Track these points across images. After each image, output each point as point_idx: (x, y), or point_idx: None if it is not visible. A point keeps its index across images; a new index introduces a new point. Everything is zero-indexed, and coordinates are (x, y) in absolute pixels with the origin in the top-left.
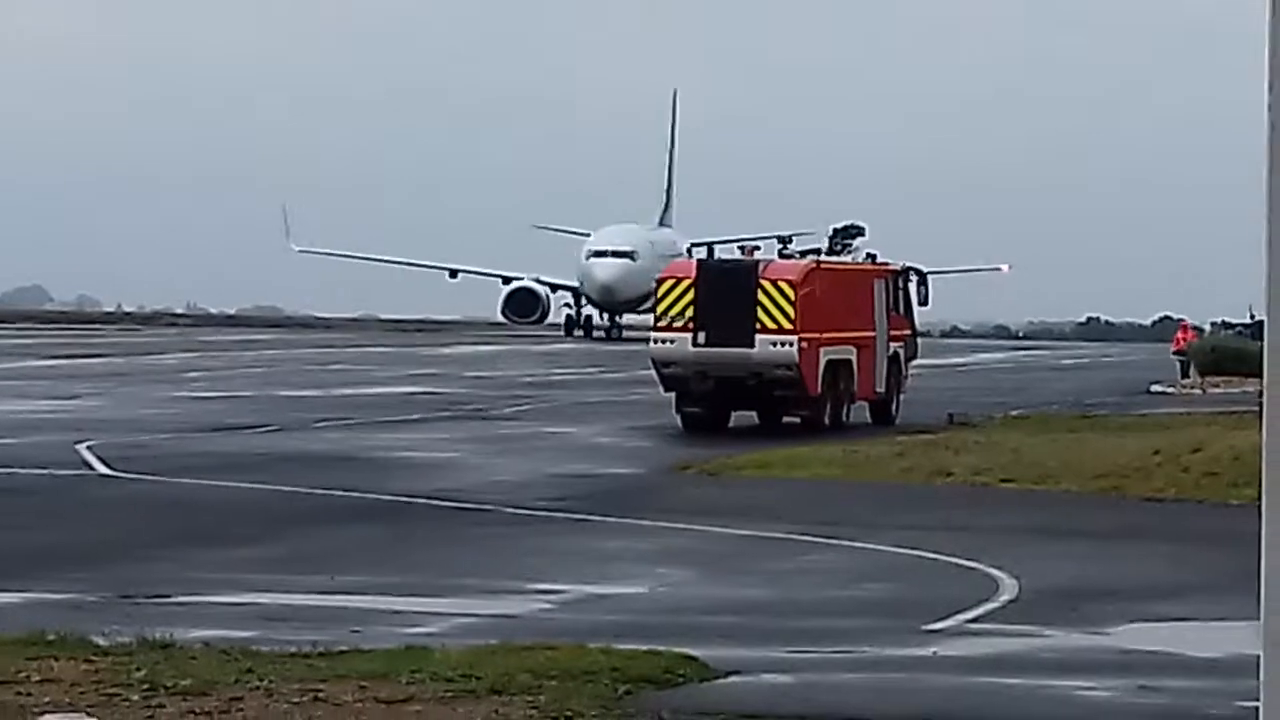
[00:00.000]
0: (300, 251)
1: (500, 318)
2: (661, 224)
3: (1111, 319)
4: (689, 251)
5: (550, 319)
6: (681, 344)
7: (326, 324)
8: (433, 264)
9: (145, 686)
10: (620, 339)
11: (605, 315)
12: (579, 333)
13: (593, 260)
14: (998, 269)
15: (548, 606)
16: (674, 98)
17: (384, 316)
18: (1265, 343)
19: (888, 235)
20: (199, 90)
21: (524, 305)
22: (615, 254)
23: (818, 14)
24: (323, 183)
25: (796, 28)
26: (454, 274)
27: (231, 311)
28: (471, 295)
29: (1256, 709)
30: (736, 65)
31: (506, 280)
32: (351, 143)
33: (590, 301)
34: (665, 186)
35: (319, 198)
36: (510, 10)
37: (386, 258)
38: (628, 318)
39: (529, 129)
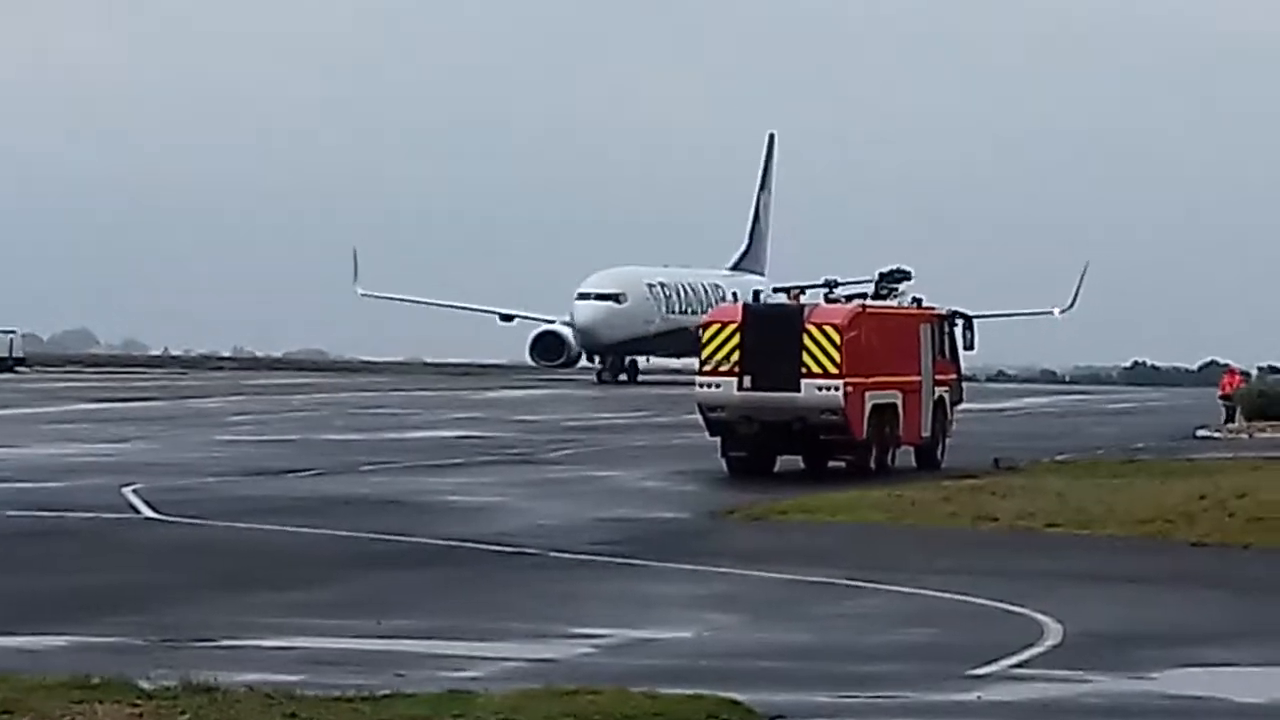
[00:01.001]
0: (363, 295)
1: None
2: (740, 267)
3: (1158, 364)
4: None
5: (583, 362)
6: (727, 388)
7: (372, 368)
8: (487, 308)
9: None
10: (632, 382)
11: (595, 358)
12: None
13: (576, 303)
14: (1049, 312)
15: (591, 651)
16: (770, 141)
17: (430, 360)
18: None
19: (931, 278)
20: (243, 132)
21: (550, 348)
22: (599, 296)
23: (881, 55)
24: (375, 223)
25: (857, 63)
26: (507, 318)
27: (278, 355)
28: (524, 339)
29: None
30: (824, 107)
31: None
32: (407, 182)
33: (578, 343)
34: (749, 229)
35: (371, 238)
36: (578, 45)
37: (445, 302)
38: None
39: (595, 166)
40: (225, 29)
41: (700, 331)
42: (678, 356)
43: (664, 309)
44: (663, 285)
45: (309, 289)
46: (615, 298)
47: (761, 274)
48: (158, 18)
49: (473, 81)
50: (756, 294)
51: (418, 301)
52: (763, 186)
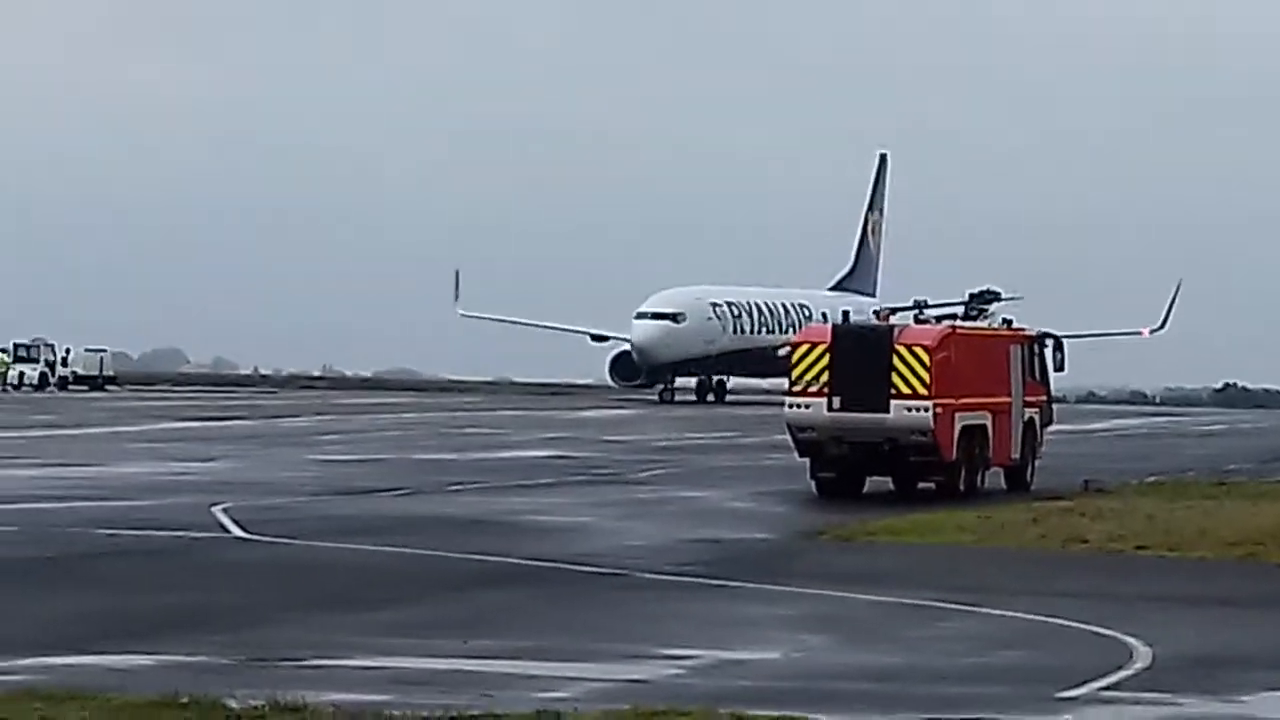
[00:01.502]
0: (463, 316)
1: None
2: (842, 288)
3: (1249, 385)
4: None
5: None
6: (816, 409)
7: (461, 387)
8: (580, 329)
9: None
10: (720, 402)
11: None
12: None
13: (634, 322)
14: (1137, 333)
15: (680, 672)
16: (880, 161)
17: (518, 379)
18: None
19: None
20: (336, 150)
21: (628, 367)
22: (656, 316)
23: (961, 79)
24: (458, 241)
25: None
26: (599, 339)
27: (367, 374)
28: None
29: None
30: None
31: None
32: (502, 199)
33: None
34: (855, 249)
35: (461, 256)
36: (684, 63)
37: (540, 323)
38: (735, 381)
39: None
40: (315, 46)
41: (778, 351)
42: (750, 376)
43: (731, 329)
44: (730, 305)
45: (399, 307)
46: (673, 317)
47: (870, 294)
48: (316, 39)
49: (569, 95)
50: (846, 314)
51: (515, 322)
52: (870, 206)
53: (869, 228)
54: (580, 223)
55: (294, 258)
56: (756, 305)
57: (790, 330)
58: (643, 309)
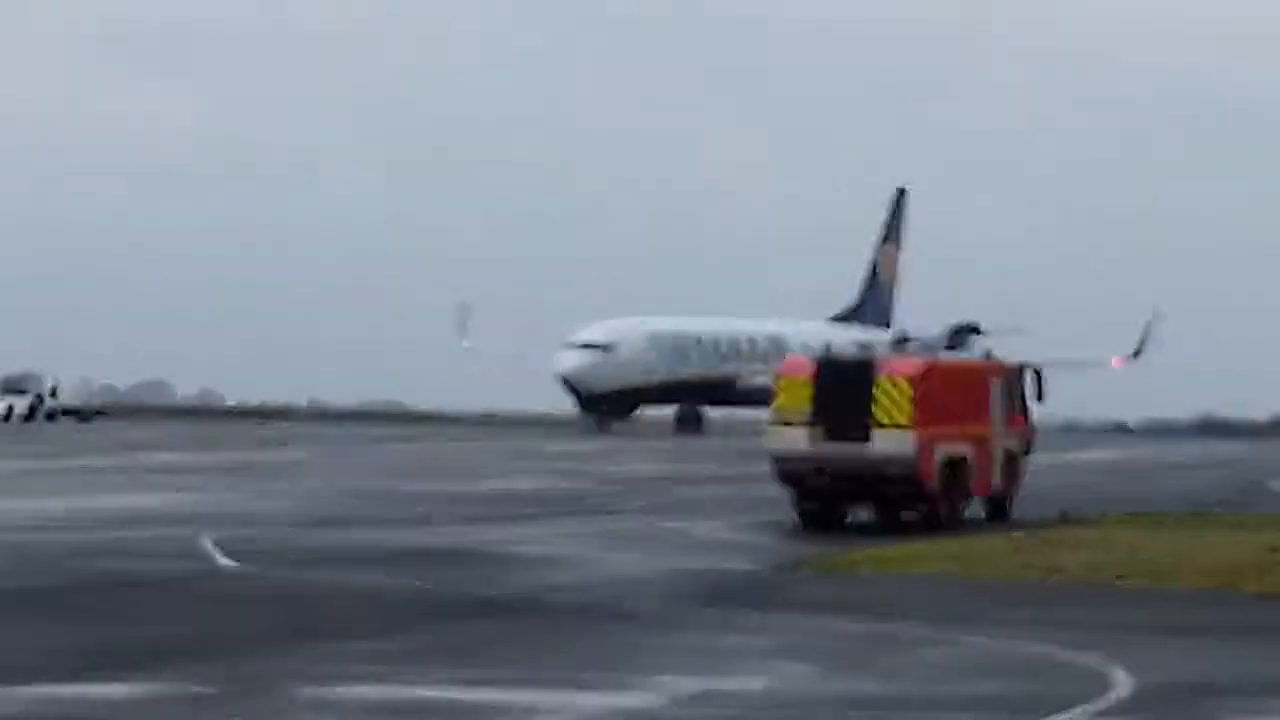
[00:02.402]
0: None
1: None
2: (845, 319)
3: (1229, 416)
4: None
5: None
6: (799, 439)
7: (448, 419)
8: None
9: None
10: (697, 433)
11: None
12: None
13: (561, 353)
14: (1102, 364)
15: (663, 702)
16: (898, 195)
17: (503, 411)
18: None
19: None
20: (306, 192)
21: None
22: (585, 345)
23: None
24: (446, 270)
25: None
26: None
27: (352, 405)
28: None
29: None
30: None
31: None
32: (482, 233)
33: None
34: (864, 282)
35: (448, 289)
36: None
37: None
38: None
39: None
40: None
41: (737, 383)
42: (702, 405)
43: (676, 360)
44: (677, 336)
45: (383, 338)
46: (603, 347)
47: (881, 326)
48: (301, 68)
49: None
50: (828, 346)
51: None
52: (885, 239)
53: (881, 261)
54: (570, 251)
55: (280, 290)
56: (712, 336)
57: (754, 362)
58: (571, 339)
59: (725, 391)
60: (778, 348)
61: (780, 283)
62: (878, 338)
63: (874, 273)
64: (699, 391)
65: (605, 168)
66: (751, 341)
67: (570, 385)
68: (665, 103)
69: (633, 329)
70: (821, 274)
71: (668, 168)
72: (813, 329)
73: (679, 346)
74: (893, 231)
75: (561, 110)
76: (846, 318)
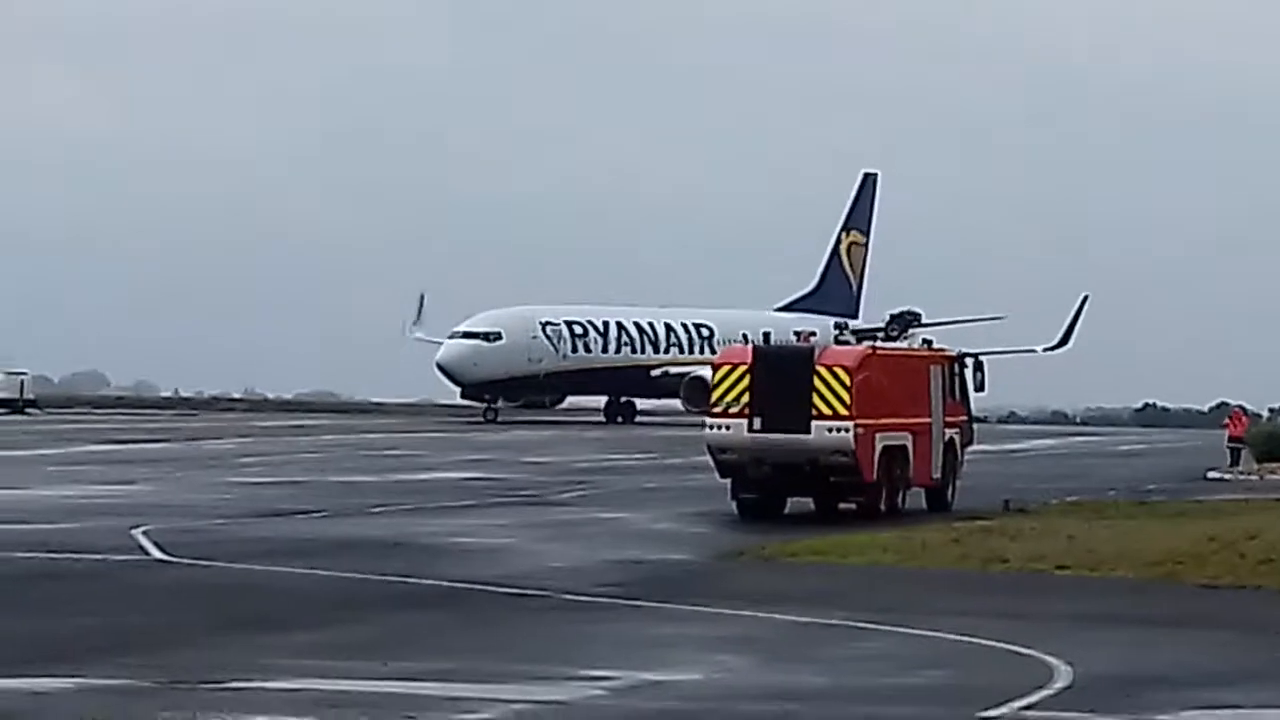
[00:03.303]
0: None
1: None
2: (798, 308)
3: (1169, 405)
4: (765, 338)
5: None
6: (737, 430)
7: (384, 409)
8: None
9: None
10: (629, 422)
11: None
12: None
13: (445, 342)
14: (1031, 350)
15: (601, 693)
16: (864, 180)
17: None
18: None
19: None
20: (236, 184)
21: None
22: (467, 335)
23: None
24: (390, 264)
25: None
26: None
27: (288, 396)
28: None
29: None
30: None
31: None
32: (413, 221)
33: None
34: (822, 268)
35: (385, 280)
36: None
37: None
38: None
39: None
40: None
41: (651, 372)
42: (622, 395)
43: (569, 348)
44: (572, 324)
45: (320, 328)
46: (485, 336)
47: (847, 315)
48: (226, 57)
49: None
50: (767, 335)
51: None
52: (846, 226)
53: (842, 247)
54: (496, 238)
55: (214, 279)
56: (617, 325)
57: (672, 351)
58: (456, 329)
59: (637, 381)
60: (703, 337)
61: (749, 274)
62: (821, 326)
63: (835, 260)
64: (605, 380)
65: (560, 158)
66: (670, 331)
67: (448, 374)
68: (619, 91)
69: (519, 318)
70: (797, 262)
71: (631, 158)
72: (749, 317)
73: (575, 336)
74: (856, 217)
75: (504, 99)
76: (795, 306)
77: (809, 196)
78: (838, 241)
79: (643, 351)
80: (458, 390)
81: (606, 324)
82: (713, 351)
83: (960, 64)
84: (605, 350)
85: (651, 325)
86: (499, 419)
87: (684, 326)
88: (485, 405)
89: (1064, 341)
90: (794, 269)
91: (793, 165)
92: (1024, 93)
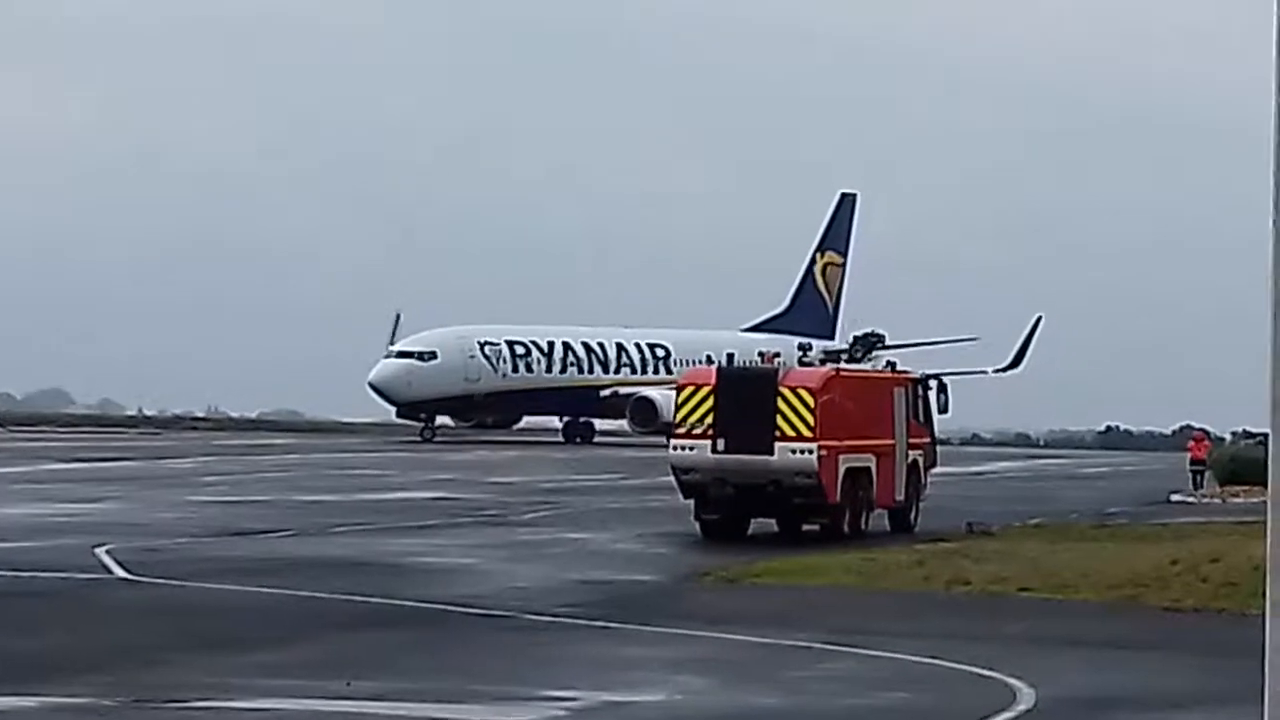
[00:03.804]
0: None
1: None
2: (767, 328)
3: (1132, 428)
4: (728, 359)
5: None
6: (701, 451)
7: (349, 428)
8: None
9: None
10: (588, 443)
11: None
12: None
13: (380, 362)
14: (973, 339)
15: (562, 714)
16: (841, 200)
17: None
18: (1270, 452)
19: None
20: (212, 190)
21: (642, 414)
22: (401, 354)
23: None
24: (352, 274)
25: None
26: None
27: (253, 415)
28: None
29: None
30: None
31: None
32: (384, 238)
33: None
34: (794, 288)
35: (358, 296)
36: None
37: None
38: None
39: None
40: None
41: (601, 393)
42: (543, 415)
43: (509, 368)
44: (514, 344)
45: (285, 347)
46: (420, 355)
47: (821, 336)
48: (196, 62)
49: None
50: (730, 357)
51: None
52: (822, 246)
53: (817, 268)
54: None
55: (182, 297)
56: (564, 344)
57: (623, 371)
58: (391, 348)
59: (585, 401)
60: (657, 358)
61: (729, 292)
62: (788, 347)
63: (809, 280)
64: (549, 401)
65: (541, 171)
66: (623, 351)
67: (380, 393)
68: (599, 102)
69: (456, 337)
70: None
71: (604, 172)
72: (709, 338)
73: (516, 356)
74: (833, 237)
75: (480, 110)
76: (765, 327)
77: (787, 215)
78: (811, 262)
79: (591, 372)
80: (392, 410)
81: (551, 344)
82: (668, 372)
83: (940, 83)
84: (550, 370)
85: (602, 345)
86: (435, 439)
87: (637, 347)
88: (422, 424)
89: (1016, 363)
90: (769, 290)
91: (770, 181)
92: (994, 108)
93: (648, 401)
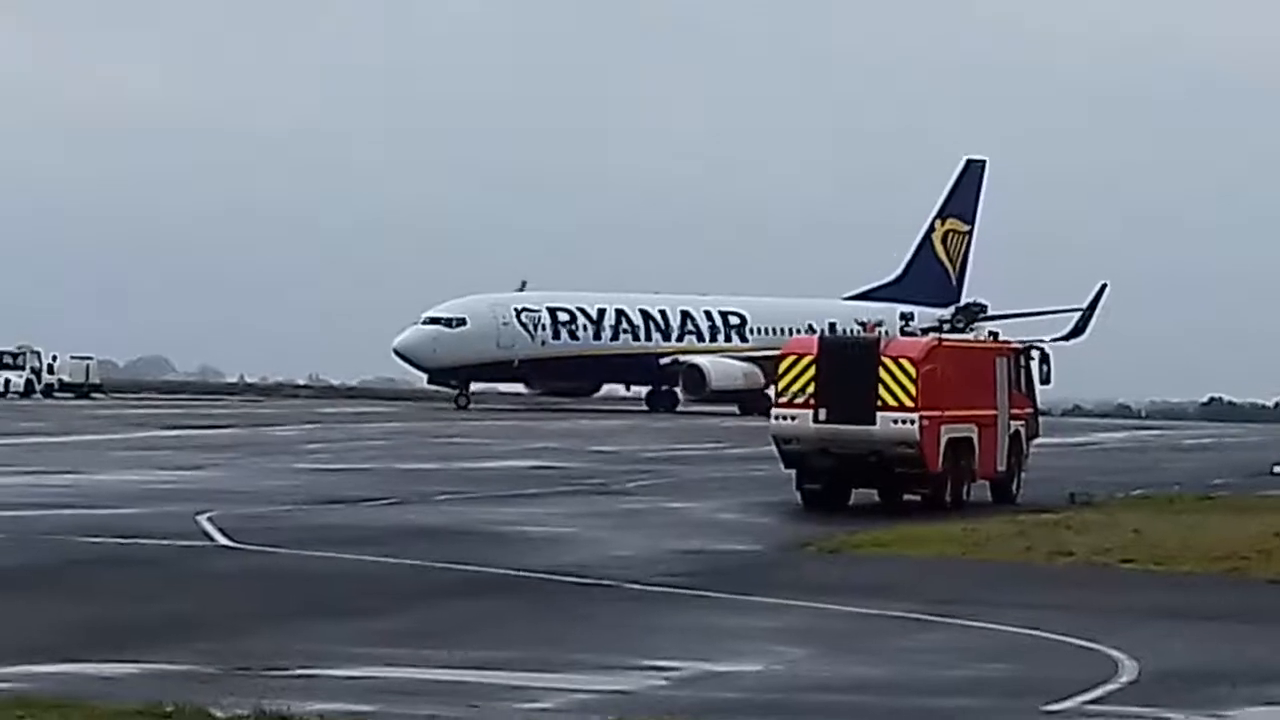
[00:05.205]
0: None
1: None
2: (876, 296)
3: (1235, 399)
4: (830, 328)
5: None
6: (803, 420)
7: (443, 396)
8: None
9: None
10: (671, 411)
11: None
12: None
13: (407, 328)
14: (1077, 309)
15: (663, 683)
16: (966, 167)
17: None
18: None
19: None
20: (311, 161)
21: (691, 383)
22: (430, 321)
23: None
24: (454, 243)
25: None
26: None
27: (353, 383)
28: None
29: None
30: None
31: None
32: (479, 216)
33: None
34: (910, 256)
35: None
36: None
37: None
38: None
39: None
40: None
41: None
42: (586, 383)
43: (549, 335)
44: (555, 311)
45: (385, 315)
46: (448, 322)
47: (933, 304)
48: (299, 33)
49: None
50: (832, 326)
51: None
52: (942, 214)
53: (935, 235)
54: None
55: (281, 266)
56: (617, 312)
57: (688, 339)
58: (423, 315)
59: (636, 369)
60: (730, 326)
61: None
62: (889, 315)
63: (926, 248)
64: (595, 369)
65: (644, 136)
66: (688, 318)
67: (404, 358)
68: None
69: (489, 304)
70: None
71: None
72: (794, 305)
73: (559, 323)
74: (956, 204)
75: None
76: (872, 295)
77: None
78: (930, 229)
79: (649, 339)
80: (423, 376)
81: (602, 311)
82: (742, 340)
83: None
84: (599, 338)
85: (663, 313)
86: (470, 405)
87: (706, 315)
88: (456, 392)
89: (1078, 332)
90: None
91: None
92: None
93: (697, 370)
